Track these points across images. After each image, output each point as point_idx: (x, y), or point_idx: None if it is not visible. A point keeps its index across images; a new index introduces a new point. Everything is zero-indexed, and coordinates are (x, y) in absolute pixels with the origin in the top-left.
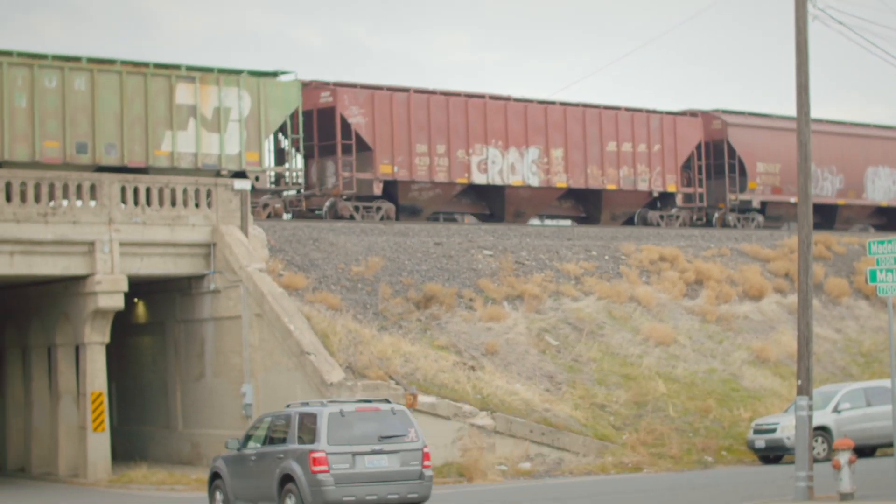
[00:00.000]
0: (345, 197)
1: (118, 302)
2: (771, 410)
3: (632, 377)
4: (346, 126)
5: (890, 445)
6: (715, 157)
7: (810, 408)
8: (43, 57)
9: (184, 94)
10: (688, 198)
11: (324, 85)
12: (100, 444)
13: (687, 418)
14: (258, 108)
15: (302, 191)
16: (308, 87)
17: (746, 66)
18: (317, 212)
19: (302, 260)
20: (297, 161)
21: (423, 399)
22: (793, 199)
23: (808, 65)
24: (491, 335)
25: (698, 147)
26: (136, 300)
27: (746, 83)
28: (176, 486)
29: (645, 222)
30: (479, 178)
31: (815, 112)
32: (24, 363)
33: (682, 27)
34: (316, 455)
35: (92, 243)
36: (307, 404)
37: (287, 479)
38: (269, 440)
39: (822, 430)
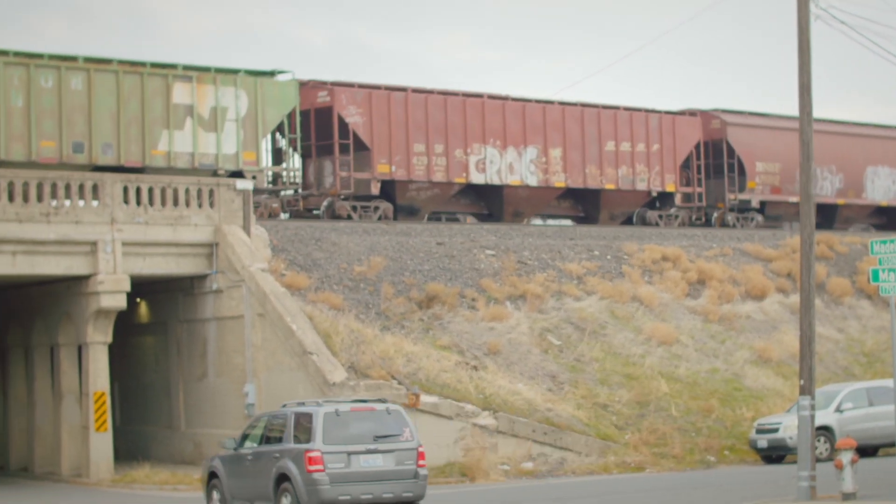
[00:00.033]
0: (342, 197)
1: (120, 302)
2: (773, 410)
3: (634, 377)
4: (343, 125)
5: (892, 445)
6: (714, 156)
7: (813, 407)
8: (39, 56)
9: (180, 93)
10: (687, 197)
11: (321, 84)
12: (102, 443)
13: (689, 418)
14: (255, 108)
15: (300, 190)
16: (305, 87)
17: (747, 66)
18: (314, 211)
19: (304, 260)
20: (295, 161)
21: (426, 399)
22: (792, 199)
23: (811, 65)
24: (493, 335)
25: (697, 147)
26: (138, 300)
27: (747, 83)
28: (178, 486)
29: (644, 222)
30: (477, 178)
31: (816, 112)
32: (26, 363)
33: (683, 27)
34: (311, 454)
35: (94, 243)
36: (303, 404)
37: (283, 478)
38: (266, 439)
39: (825, 430)
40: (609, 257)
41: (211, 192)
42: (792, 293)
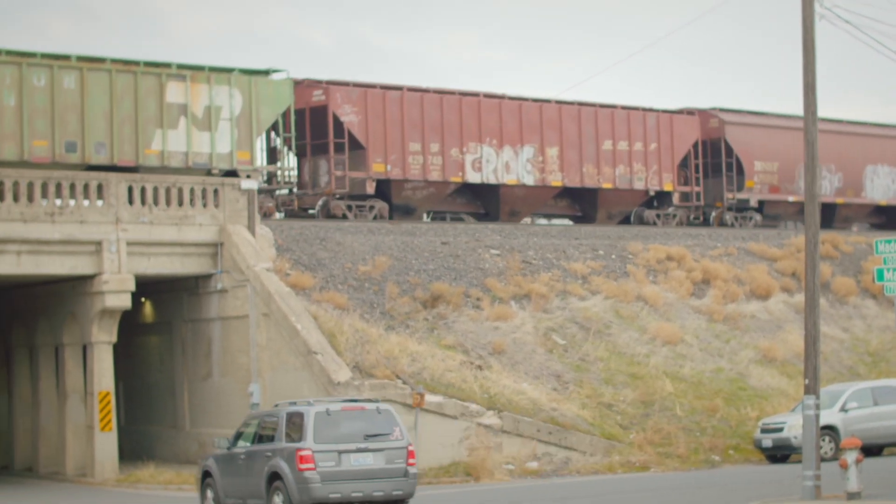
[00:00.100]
0: (337, 196)
1: (125, 301)
2: (778, 410)
3: (639, 376)
4: (338, 124)
5: None
6: (712, 155)
7: (817, 407)
8: (32, 55)
9: (174, 92)
10: (684, 196)
11: (316, 83)
12: (107, 443)
13: (694, 417)
14: (250, 107)
15: (294, 190)
16: (300, 86)
17: (747, 67)
18: (309, 211)
19: (309, 259)
20: (290, 160)
21: (431, 398)
22: (791, 198)
23: (816, 64)
24: (498, 334)
25: (695, 145)
26: (143, 300)
27: (747, 83)
28: (183, 486)
29: (641, 221)
30: (473, 177)
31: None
32: (31, 363)
33: (683, 27)
34: (303, 453)
35: (99, 243)
36: (295, 403)
37: (275, 476)
38: (258, 439)
39: (830, 430)
40: (614, 257)
41: (216, 192)
42: (797, 292)
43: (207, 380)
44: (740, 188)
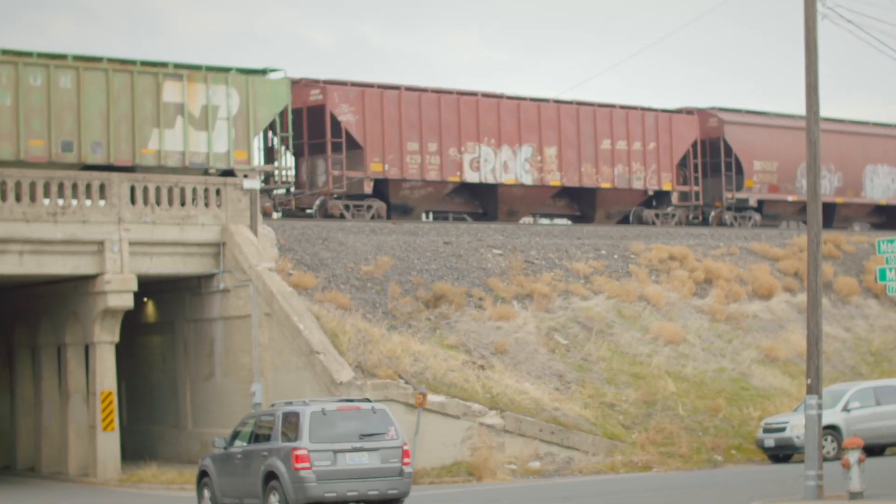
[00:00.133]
0: (335, 195)
1: (128, 301)
2: (780, 409)
3: (641, 376)
4: (336, 124)
5: None
6: (711, 155)
7: (820, 407)
8: (28, 55)
9: (171, 92)
10: (683, 196)
11: (313, 83)
12: (109, 443)
13: (696, 417)
14: (247, 106)
15: (292, 189)
16: (298, 85)
17: (747, 67)
18: (307, 211)
19: (311, 259)
20: (287, 159)
21: (433, 398)
22: (790, 198)
23: (818, 64)
24: (500, 334)
25: (694, 145)
26: (145, 299)
27: (747, 83)
28: (185, 486)
29: (640, 221)
30: (471, 177)
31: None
32: (33, 363)
33: (684, 27)
34: (298, 452)
35: (101, 243)
36: (291, 403)
37: (271, 476)
38: (255, 438)
39: (832, 429)
40: (616, 257)
41: (218, 192)
42: (799, 292)
43: (210, 380)
44: (739, 188)
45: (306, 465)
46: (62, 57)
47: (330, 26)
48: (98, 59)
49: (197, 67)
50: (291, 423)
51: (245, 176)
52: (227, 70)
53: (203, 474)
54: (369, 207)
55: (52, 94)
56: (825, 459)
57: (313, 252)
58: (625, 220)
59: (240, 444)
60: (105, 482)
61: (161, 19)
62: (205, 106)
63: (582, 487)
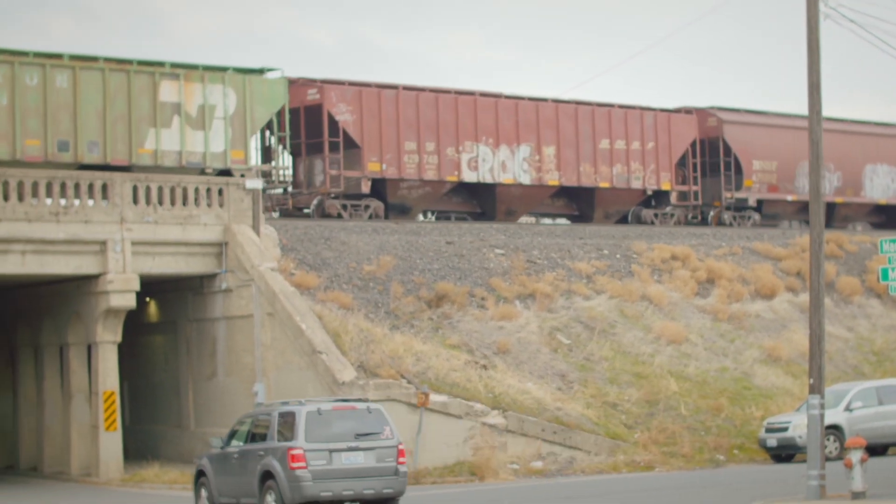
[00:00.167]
0: (332, 195)
1: (130, 301)
2: (783, 409)
3: (643, 376)
4: (333, 123)
5: None
6: (710, 154)
7: (822, 406)
8: (24, 54)
9: (168, 91)
10: (682, 196)
11: (311, 82)
12: (112, 443)
13: (699, 417)
14: (244, 106)
15: (290, 189)
16: (295, 85)
17: (748, 66)
18: (304, 210)
19: (314, 259)
20: (284, 159)
21: (435, 398)
22: (790, 198)
23: (820, 64)
24: (503, 334)
25: (693, 144)
26: (147, 299)
27: (747, 83)
28: (188, 486)
29: (639, 221)
30: (469, 176)
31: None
32: (36, 362)
33: (684, 27)
34: (294, 452)
35: (104, 242)
36: (287, 403)
37: (267, 475)
38: (251, 438)
39: (834, 429)
40: (618, 256)
41: (220, 192)
42: (801, 292)
43: (212, 379)
44: (738, 187)
45: (302, 464)
46: (58, 56)
47: (330, 26)
48: (94, 59)
49: (194, 67)
50: (287, 422)
51: (242, 175)
52: (223, 69)
53: (200, 474)
54: (367, 207)
55: (49, 93)
56: (827, 459)
57: (315, 252)
58: (623, 220)
59: (236, 444)
60: (107, 482)
61: (161, 19)
62: (201, 105)
63: (584, 487)
